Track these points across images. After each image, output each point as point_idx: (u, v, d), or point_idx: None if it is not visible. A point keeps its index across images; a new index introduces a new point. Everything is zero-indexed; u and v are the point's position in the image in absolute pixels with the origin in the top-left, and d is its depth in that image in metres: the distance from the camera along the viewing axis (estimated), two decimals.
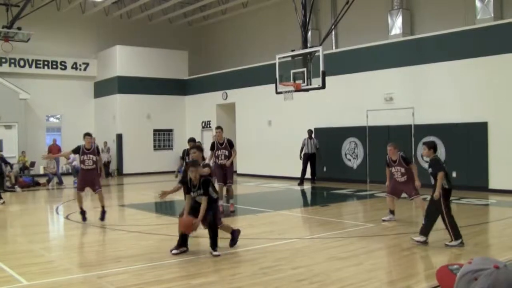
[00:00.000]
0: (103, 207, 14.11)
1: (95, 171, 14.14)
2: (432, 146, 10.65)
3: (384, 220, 13.01)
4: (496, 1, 20.67)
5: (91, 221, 13.94)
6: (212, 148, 15.58)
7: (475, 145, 19.18)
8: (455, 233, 9.88)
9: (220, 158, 15.40)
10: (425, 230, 10.11)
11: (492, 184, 18.68)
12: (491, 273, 1.80)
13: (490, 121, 18.83)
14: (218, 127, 15.94)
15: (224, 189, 15.61)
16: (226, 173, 15.44)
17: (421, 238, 10.11)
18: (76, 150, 14.20)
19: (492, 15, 20.48)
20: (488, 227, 12.34)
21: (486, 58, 19.04)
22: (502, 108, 18.56)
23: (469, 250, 9.81)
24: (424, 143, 10.93)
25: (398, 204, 16.53)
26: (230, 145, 15.60)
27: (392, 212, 13.18)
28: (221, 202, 15.09)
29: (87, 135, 14.42)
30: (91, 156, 13.97)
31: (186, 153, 13.97)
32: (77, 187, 14.34)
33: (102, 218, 13.90)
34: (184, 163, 13.24)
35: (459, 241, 9.84)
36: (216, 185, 15.42)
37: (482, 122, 18.93)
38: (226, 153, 15.40)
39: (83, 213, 13.90)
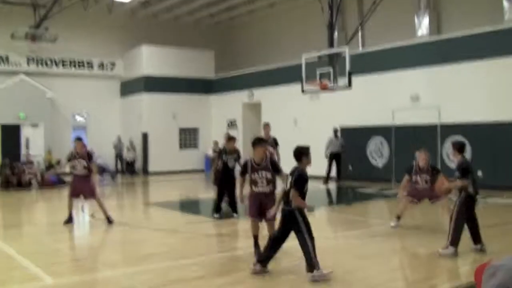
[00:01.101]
0: (107, 218, 13.42)
1: (88, 177, 13.58)
2: (458, 148, 9.87)
3: (393, 227, 12.20)
4: None
5: (117, 220, 14.04)
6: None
7: (502, 144, 19.00)
8: (454, 239, 9.22)
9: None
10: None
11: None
12: (508, 271, 1.84)
13: None
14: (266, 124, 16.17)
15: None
16: None
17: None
18: (69, 156, 13.86)
19: None
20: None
21: None
22: None
23: (494, 249, 9.72)
24: (453, 144, 10.22)
25: (421, 205, 16.45)
26: (276, 143, 15.72)
27: (399, 217, 12.25)
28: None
29: (78, 139, 13.91)
30: (81, 160, 13.43)
31: (224, 151, 13.95)
32: (70, 193, 13.71)
33: (109, 221, 13.41)
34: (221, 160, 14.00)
35: (453, 249, 9.18)
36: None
37: (509, 122, 18.75)
38: (271, 150, 14.97)
39: (70, 218, 13.49)
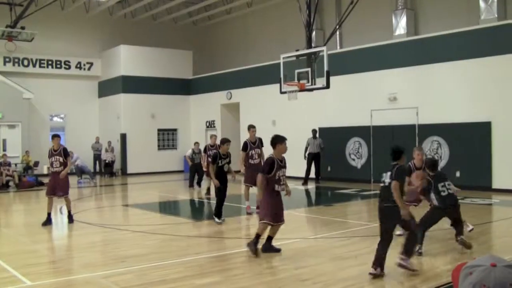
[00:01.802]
0: (69, 211, 13.80)
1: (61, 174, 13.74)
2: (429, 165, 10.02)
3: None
4: (500, 2, 20.66)
5: (96, 222, 13.96)
6: (245, 148, 15.36)
7: (478, 145, 19.15)
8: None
9: (253, 158, 15.33)
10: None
11: (496, 184, 18.66)
12: (485, 270, 1.86)
13: (494, 121, 18.81)
14: (252, 126, 15.85)
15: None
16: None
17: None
18: (48, 154, 13.90)
19: (496, 16, 20.47)
20: (491, 227, 12.32)
21: (490, 58, 19.02)
22: (506, 108, 18.55)
23: (473, 249, 9.80)
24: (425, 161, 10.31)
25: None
26: (261, 143, 15.55)
27: None
28: (248, 203, 15.25)
29: (54, 136, 13.95)
30: (58, 157, 13.57)
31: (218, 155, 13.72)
32: (47, 191, 13.92)
33: (71, 220, 13.71)
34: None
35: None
36: (243, 186, 15.64)
37: (486, 122, 18.91)
38: (259, 152, 15.39)
39: (48, 219, 13.60)
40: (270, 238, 9.82)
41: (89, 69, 33.25)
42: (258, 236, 9.60)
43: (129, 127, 31.75)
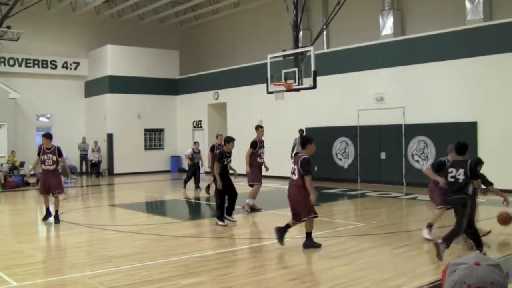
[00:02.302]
0: (56, 211, 13.79)
1: (56, 172, 13.99)
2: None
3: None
4: (486, 3, 20.78)
5: (83, 222, 13.90)
6: (254, 146, 15.45)
7: None
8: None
9: (261, 157, 15.54)
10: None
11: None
12: (468, 268, 1.89)
13: (479, 121, 18.92)
14: (261, 126, 16.04)
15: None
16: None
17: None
18: (38, 151, 14.04)
19: (482, 16, 20.59)
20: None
21: (476, 59, 19.14)
22: (491, 108, 18.67)
23: (458, 248, 9.86)
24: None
25: (387, 203, 16.64)
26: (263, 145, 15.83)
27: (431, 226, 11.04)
28: (252, 201, 15.36)
29: (46, 135, 14.15)
30: (51, 155, 13.73)
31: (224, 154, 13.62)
32: (40, 190, 14.19)
33: (57, 220, 13.69)
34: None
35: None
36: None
37: (472, 122, 19.01)
38: (264, 151, 15.69)
39: (48, 212, 13.91)
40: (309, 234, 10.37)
41: (75, 68, 33.09)
42: (310, 234, 10.33)
43: (115, 127, 31.63)
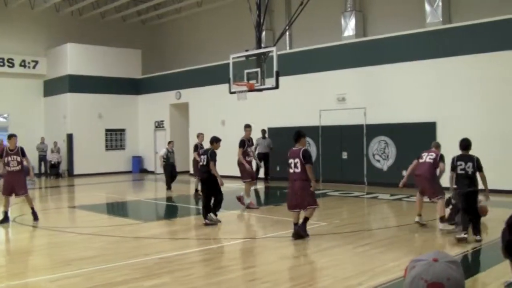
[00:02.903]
0: (32, 208, 14.03)
1: (21, 173, 13.99)
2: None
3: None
4: (445, 6, 21.09)
5: (42, 224, 13.70)
6: (243, 145, 16.12)
7: (424, 144, 19.42)
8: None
9: (250, 155, 16.24)
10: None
11: (443, 183, 18.93)
12: (426, 264, 1.95)
13: (438, 122, 19.19)
14: (249, 125, 16.78)
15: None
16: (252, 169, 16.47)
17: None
18: (1, 153, 13.93)
19: (441, 19, 20.89)
20: (435, 224, 12.50)
21: (436, 60, 19.44)
22: (450, 108, 18.96)
23: (419, 246, 9.97)
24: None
25: (349, 203, 16.76)
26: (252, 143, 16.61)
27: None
28: (249, 200, 15.84)
29: (10, 136, 14.24)
30: (15, 157, 13.73)
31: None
32: (3, 191, 14.08)
33: (36, 218, 13.88)
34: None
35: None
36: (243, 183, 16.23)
37: (431, 122, 19.26)
38: (253, 150, 16.48)
39: (6, 217, 13.78)
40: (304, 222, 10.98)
41: (34, 67, 32.56)
42: (307, 220, 10.96)
43: (75, 127, 31.22)
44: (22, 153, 13.93)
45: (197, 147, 19.15)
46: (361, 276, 8.06)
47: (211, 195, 13.29)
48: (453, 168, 10.57)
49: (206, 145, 15.32)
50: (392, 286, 7.45)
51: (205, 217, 13.03)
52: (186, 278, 8.10)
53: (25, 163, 14.14)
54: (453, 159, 10.69)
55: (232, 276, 8.38)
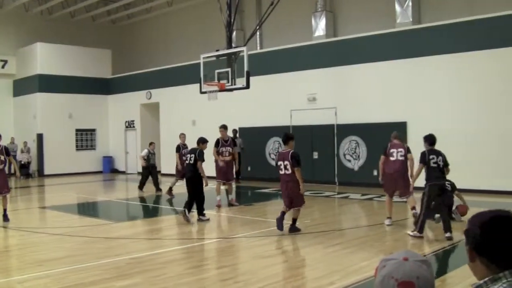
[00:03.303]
0: (5, 210, 14.00)
1: (3, 172, 14.04)
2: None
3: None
4: (415, 6, 21.31)
5: (11, 225, 13.58)
6: (217, 144, 16.56)
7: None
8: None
9: (224, 155, 16.52)
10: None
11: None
12: (396, 263, 1.98)
13: (409, 121, 19.38)
14: (223, 126, 17.14)
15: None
16: (228, 170, 16.68)
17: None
18: None
19: (411, 20, 21.10)
20: (407, 223, 12.64)
21: (406, 60, 19.65)
22: (420, 108, 19.17)
23: (390, 245, 10.08)
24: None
25: (320, 202, 16.85)
26: (234, 143, 16.91)
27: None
28: (219, 198, 16.15)
29: None
30: None
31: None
32: None
33: (6, 219, 13.84)
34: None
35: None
36: (215, 182, 16.49)
37: (401, 122, 19.44)
38: (230, 150, 16.67)
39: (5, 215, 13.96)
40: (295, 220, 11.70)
41: (3, 67, 32.18)
42: (296, 220, 11.65)
43: (46, 127, 30.94)
44: (6, 152, 14.00)
45: (179, 148, 19.23)
46: (333, 276, 8.13)
47: (194, 193, 13.57)
48: (425, 161, 10.80)
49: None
50: (363, 286, 7.52)
51: (185, 213, 13.32)
52: (158, 278, 8.10)
53: (11, 162, 14.50)
54: (424, 153, 10.94)
55: (204, 276, 8.40)
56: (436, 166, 10.68)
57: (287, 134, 12.29)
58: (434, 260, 9.29)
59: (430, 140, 11.10)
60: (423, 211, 10.69)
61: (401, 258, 1.99)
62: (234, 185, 17.51)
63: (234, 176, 18.19)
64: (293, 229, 11.59)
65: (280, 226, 11.50)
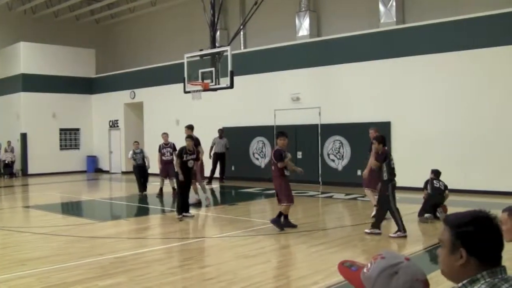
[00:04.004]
0: None
1: None
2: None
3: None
4: (399, 6, 21.43)
5: None
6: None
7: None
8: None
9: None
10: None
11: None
12: (408, 266, 2.00)
13: (393, 121, 19.49)
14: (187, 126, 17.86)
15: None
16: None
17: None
18: None
19: (395, 19, 21.21)
20: (391, 223, 12.73)
21: (390, 60, 19.75)
22: (403, 108, 19.29)
23: (374, 245, 10.15)
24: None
25: (304, 202, 16.91)
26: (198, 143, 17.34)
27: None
28: (197, 197, 16.56)
29: None
30: None
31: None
32: None
33: None
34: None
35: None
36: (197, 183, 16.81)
37: (385, 122, 19.53)
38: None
39: None
40: (286, 216, 12.10)
41: None
42: (281, 214, 11.94)
43: (29, 126, 30.79)
44: None
45: (160, 148, 19.31)
46: (316, 276, 8.18)
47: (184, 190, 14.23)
48: (387, 161, 11.33)
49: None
50: (347, 285, 7.53)
51: (180, 212, 13.89)
52: (141, 278, 8.12)
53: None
54: (387, 153, 11.58)
55: (187, 275, 8.44)
56: (394, 166, 11.50)
57: (279, 131, 13.12)
58: (417, 260, 9.36)
59: (382, 140, 11.62)
60: (392, 210, 11.04)
61: (403, 259, 2.03)
62: (217, 184, 17.62)
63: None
64: (275, 221, 11.94)
65: (279, 225, 11.86)
